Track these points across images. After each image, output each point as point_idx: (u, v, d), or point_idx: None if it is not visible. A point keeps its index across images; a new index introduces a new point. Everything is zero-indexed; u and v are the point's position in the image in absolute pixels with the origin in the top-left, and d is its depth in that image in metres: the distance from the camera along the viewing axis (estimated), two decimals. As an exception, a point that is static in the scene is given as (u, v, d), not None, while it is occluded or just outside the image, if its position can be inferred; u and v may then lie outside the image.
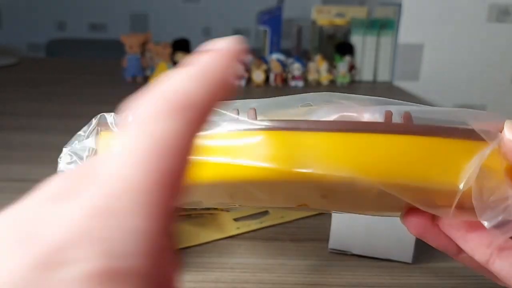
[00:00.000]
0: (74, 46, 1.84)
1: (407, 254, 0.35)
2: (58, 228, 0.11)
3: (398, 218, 0.34)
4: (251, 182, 0.20)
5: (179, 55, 1.06)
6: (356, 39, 1.14)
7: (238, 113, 0.21)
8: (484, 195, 0.19)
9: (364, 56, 1.15)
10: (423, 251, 0.36)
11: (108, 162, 0.12)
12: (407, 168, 0.19)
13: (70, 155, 0.25)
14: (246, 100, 0.22)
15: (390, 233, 0.35)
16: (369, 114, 0.20)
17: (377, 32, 1.14)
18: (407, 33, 1.15)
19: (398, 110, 0.21)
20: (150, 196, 0.12)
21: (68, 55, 1.77)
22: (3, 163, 0.54)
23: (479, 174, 0.19)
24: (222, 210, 0.42)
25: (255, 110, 0.21)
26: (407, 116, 0.20)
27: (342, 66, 1.08)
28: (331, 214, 0.37)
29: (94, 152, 0.25)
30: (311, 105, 0.22)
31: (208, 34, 2.09)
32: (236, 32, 2.08)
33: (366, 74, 1.15)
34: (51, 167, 0.53)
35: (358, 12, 1.24)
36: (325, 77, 1.08)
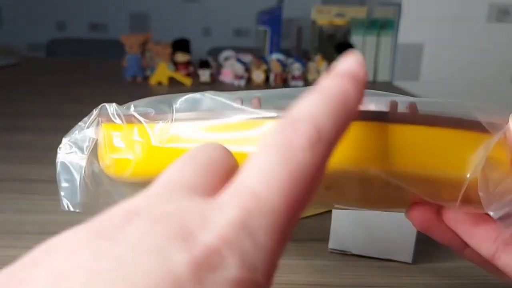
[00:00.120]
0: (74, 46, 1.84)
1: (407, 254, 0.35)
2: (212, 232, 0.12)
3: (398, 218, 0.34)
4: None
5: (179, 55, 1.06)
6: (356, 39, 1.14)
7: (241, 103, 0.21)
8: (490, 187, 0.19)
9: (364, 56, 1.15)
10: (423, 251, 0.36)
11: (250, 177, 0.13)
12: (413, 157, 0.19)
13: (70, 145, 0.25)
14: (249, 91, 0.22)
15: (390, 233, 0.35)
16: (374, 104, 0.20)
17: (377, 32, 1.14)
18: (407, 33, 1.15)
19: (403, 101, 0.21)
20: (282, 220, 0.13)
21: (68, 55, 1.77)
22: (3, 163, 0.54)
23: (485, 165, 0.19)
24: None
25: (259, 99, 0.21)
26: (413, 107, 0.20)
27: (342, 66, 1.08)
28: (331, 214, 0.37)
29: (94, 142, 0.25)
30: None
31: (208, 34, 2.09)
32: (236, 32, 2.09)
33: (366, 74, 1.15)
34: (50, 167, 0.53)
35: (358, 12, 1.24)
36: (325, 77, 1.08)
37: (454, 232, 0.22)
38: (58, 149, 0.25)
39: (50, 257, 0.12)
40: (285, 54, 1.12)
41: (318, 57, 1.09)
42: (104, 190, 0.25)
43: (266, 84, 1.07)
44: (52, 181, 0.49)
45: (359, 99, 0.16)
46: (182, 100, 0.22)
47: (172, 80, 1.04)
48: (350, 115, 0.16)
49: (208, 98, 0.22)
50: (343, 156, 0.19)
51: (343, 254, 0.36)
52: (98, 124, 0.25)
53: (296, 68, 1.05)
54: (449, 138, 0.19)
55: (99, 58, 1.40)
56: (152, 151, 0.22)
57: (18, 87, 0.97)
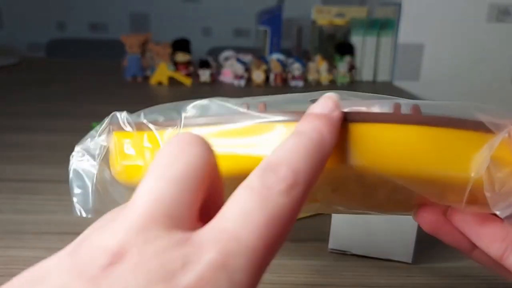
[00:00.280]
0: (74, 46, 1.84)
1: (407, 254, 0.35)
2: (192, 274, 0.13)
3: (398, 219, 0.34)
4: None
5: (179, 55, 1.06)
6: (356, 39, 1.14)
7: (248, 108, 0.21)
8: (496, 186, 0.19)
9: (364, 56, 1.15)
10: (423, 251, 0.36)
11: (230, 219, 0.14)
12: (417, 157, 0.19)
13: (82, 153, 0.26)
14: (255, 97, 0.23)
15: (390, 233, 0.35)
16: (378, 106, 0.20)
17: (377, 32, 1.14)
18: (407, 33, 1.15)
19: (406, 103, 0.21)
20: (260, 259, 0.14)
21: (68, 55, 1.77)
22: (3, 163, 0.54)
23: (490, 165, 0.19)
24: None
25: (265, 104, 0.21)
26: (416, 108, 0.21)
27: (342, 66, 1.08)
28: (331, 214, 0.37)
29: (105, 149, 0.25)
30: None
31: (208, 34, 2.09)
32: (236, 32, 2.09)
33: (366, 74, 1.15)
34: (50, 167, 0.53)
35: (358, 12, 1.24)
36: (325, 77, 1.08)
37: (462, 233, 0.22)
38: (71, 156, 0.26)
39: None
40: (285, 54, 1.12)
41: (318, 57, 1.09)
42: (112, 198, 0.26)
43: (266, 84, 1.07)
44: (52, 181, 0.49)
45: (334, 139, 0.17)
46: (190, 106, 0.23)
47: (172, 80, 1.04)
48: (325, 155, 0.17)
49: (215, 104, 0.23)
50: (348, 157, 0.19)
51: (343, 254, 0.36)
52: (109, 132, 0.25)
53: (296, 68, 1.05)
54: (452, 138, 0.19)
55: (99, 58, 1.40)
56: None
57: (18, 87, 0.97)
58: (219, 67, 1.12)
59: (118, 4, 2.06)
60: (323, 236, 0.38)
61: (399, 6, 1.14)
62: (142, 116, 0.24)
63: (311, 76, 1.08)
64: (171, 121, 0.22)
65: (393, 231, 0.35)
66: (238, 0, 2.05)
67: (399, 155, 0.19)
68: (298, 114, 0.19)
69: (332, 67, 1.10)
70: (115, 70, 1.17)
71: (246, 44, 2.04)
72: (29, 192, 0.46)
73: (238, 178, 0.21)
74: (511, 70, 1.20)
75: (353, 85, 1.10)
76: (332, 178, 0.20)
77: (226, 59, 1.12)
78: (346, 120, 0.19)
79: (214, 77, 1.08)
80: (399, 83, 1.16)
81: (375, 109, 0.20)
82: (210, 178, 0.16)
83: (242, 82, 1.06)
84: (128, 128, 0.24)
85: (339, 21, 1.24)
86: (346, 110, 0.19)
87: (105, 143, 0.25)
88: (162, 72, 1.03)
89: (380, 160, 0.19)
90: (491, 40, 1.17)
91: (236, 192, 0.15)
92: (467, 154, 0.19)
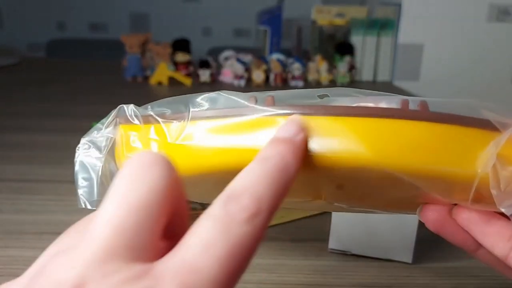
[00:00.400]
0: (74, 46, 1.84)
1: (407, 254, 0.35)
2: None
3: (398, 218, 0.34)
4: None
5: (179, 55, 1.06)
6: (356, 39, 1.14)
7: (256, 101, 0.21)
8: (502, 184, 0.19)
9: (364, 56, 1.15)
10: (423, 251, 0.36)
11: (191, 249, 0.14)
12: (424, 154, 0.19)
13: (88, 145, 0.25)
14: (262, 91, 0.23)
15: (390, 233, 0.35)
16: (386, 102, 0.20)
17: (377, 32, 1.14)
18: (407, 33, 1.15)
19: (414, 100, 0.21)
20: None
21: (68, 55, 1.77)
22: (3, 163, 0.54)
23: (495, 163, 0.19)
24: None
25: (273, 97, 0.21)
26: (424, 104, 0.21)
27: (342, 66, 1.08)
28: (331, 214, 0.37)
29: (111, 142, 0.25)
30: (328, 96, 0.22)
31: (208, 34, 2.09)
32: (236, 32, 2.09)
33: (366, 74, 1.15)
34: (50, 167, 0.53)
35: (358, 12, 1.24)
36: (325, 77, 1.08)
37: (466, 232, 0.22)
38: (77, 148, 0.26)
39: None
40: (285, 54, 1.12)
41: (318, 57, 1.09)
42: None
43: (266, 84, 1.07)
44: (52, 181, 0.49)
45: (297, 163, 0.17)
46: (198, 99, 0.23)
47: (172, 80, 1.04)
48: (289, 180, 0.17)
49: (223, 97, 0.22)
50: (354, 153, 0.19)
51: (343, 254, 0.36)
52: (115, 124, 0.25)
53: (296, 68, 1.05)
54: (459, 135, 0.19)
55: (99, 58, 1.40)
56: (168, 149, 0.22)
57: (18, 87, 0.97)
58: (219, 67, 1.12)
59: (118, 4, 2.06)
60: (323, 236, 0.38)
61: (399, 6, 1.14)
62: (149, 109, 0.24)
63: (311, 76, 1.08)
64: (179, 114, 0.22)
65: (393, 231, 0.35)
66: (238, 0, 2.06)
67: (406, 151, 0.19)
68: (305, 108, 0.19)
69: (332, 67, 1.10)
70: (115, 70, 1.17)
71: (246, 44, 2.04)
72: (29, 192, 0.46)
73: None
74: (511, 70, 1.20)
75: (353, 85, 1.10)
76: (338, 174, 0.20)
77: (226, 59, 1.12)
78: (354, 114, 0.19)
79: (214, 77, 1.08)
80: (399, 83, 1.16)
81: (383, 105, 0.20)
82: (173, 197, 0.16)
83: (242, 82, 1.06)
84: (136, 121, 0.24)
85: (339, 21, 1.24)
86: (354, 105, 0.19)
87: (111, 136, 0.25)
88: (162, 72, 1.03)
89: (387, 155, 0.19)
90: (491, 40, 1.17)
91: (199, 220, 0.15)
92: (474, 152, 0.19)
